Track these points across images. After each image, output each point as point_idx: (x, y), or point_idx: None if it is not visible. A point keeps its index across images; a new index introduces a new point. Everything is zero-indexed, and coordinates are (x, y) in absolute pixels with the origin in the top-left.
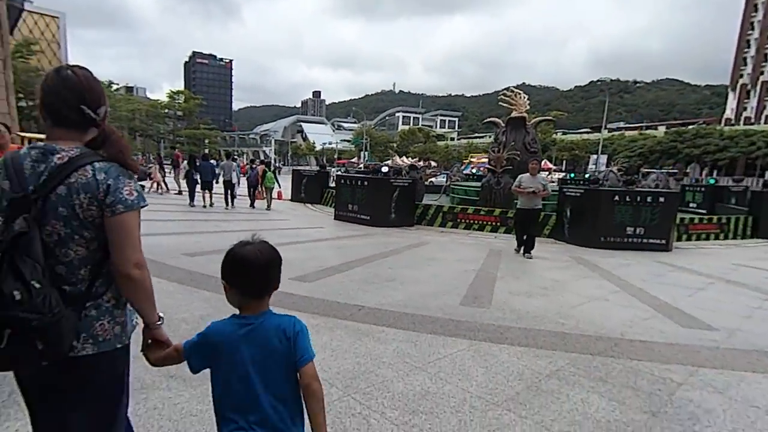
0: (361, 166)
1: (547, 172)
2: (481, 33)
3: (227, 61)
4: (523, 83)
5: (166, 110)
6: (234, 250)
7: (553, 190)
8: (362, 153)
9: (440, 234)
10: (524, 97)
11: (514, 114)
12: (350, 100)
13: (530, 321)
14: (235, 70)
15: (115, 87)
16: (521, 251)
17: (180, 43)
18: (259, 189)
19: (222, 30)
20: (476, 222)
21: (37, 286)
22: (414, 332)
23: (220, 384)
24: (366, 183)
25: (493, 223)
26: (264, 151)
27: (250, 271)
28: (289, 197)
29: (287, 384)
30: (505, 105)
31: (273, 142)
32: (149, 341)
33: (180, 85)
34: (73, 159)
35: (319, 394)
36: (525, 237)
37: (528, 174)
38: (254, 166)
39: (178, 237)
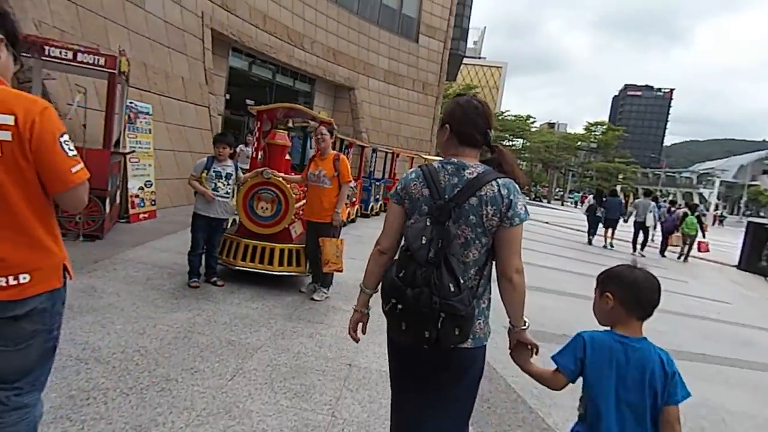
0: None
1: None
2: None
3: (666, 91)
4: None
5: (579, 142)
6: (628, 271)
7: None
8: None
9: None
10: None
11: None
12: None
13: None
14: (674, 100)
15: (531, 121)
16: None
17: (609, 78)
18: (677, 234)
19: (662, 58)
20: None
21: (461, 281)
22: None
23: (591, 398)
24: None
25: None
26: (701, 194)
27: (648, 293)
28: (736, 262)
29: (648, 416)
30: None
31: (717, 183)
32: (515, 342)
33: (604, 119)
34: (480, 175)
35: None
36: None
37: None
38: (672, 209)
39: (560, 299)
